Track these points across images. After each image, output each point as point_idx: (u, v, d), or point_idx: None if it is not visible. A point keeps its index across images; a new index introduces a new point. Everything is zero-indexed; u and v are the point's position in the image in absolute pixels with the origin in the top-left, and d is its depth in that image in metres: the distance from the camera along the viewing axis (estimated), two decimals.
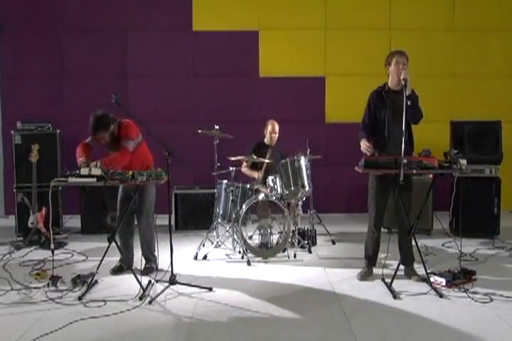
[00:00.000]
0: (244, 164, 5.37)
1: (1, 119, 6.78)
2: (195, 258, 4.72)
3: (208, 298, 3.63)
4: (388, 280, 3.79)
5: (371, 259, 4.09)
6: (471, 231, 5.23)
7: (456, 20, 6.86)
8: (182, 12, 6.74)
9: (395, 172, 3.56)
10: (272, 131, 5.35)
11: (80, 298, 3.53)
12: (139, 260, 4.27)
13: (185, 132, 6.54)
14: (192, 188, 6.09)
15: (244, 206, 4.78)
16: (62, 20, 6.71)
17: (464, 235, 4.63)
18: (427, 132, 5.93)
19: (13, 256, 4.79)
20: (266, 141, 5.44)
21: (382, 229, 4.15)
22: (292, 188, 4.75)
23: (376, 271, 4.08)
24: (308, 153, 5.29)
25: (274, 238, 4.81)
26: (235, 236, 4.87)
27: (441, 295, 3.56)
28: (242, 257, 4.66)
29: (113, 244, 3.82)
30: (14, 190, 5.79)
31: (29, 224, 5.28)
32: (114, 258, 4.20)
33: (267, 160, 5.06)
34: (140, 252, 4.29)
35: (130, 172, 3.63)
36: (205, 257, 4.71)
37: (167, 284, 3.77)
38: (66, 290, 3.69)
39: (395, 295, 3.58)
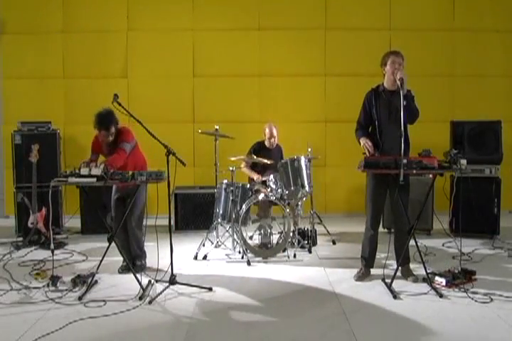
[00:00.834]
0: (244, 164, 5.34)
1: (1, 119, 6.78)
2: (195, 258, 4.72)
3: (207, 298, 3.63)
4: (388, 280, 3.79)
5: (368, 260, 4.09)
6: (471, 231, 5.23)
7: (456, 20, 6.86)
8: (182, 13, 6.76)
9: (395, 172, 3.56)
10: (270, 136, 5.33)
11: (80, 298, 3.53)
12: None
13: (185, 132, 6.57)
14: (192, 188, 6.10)
15: (244, 206, 4.78)
16: (62, 21, 6.71)
17: (463, 235, 4.64)
18: (427, 132, 5.96)
19: (13, 256, 4.79)
20: (266, 143, 5.42)
21: (382, 229, 4.15)
22: (292, 188, 4.76)
23: (376, 271, 4.08)
24: (308, 153, 5.28)
25: (274, 238, 4.82)
26: (235, 236, 4.87)
27: (441, 295, 3.56)
28: (242, 257, 4.66)
29: (113, 243, 3.82)
30: (14, 190, 5.79)
31: (29, 224, 5.28)
32: (114, 258, 4.20)
33: (267, 161, 5.04)
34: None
35: (130, 172, 3.64)
36: (205, 257, 4.71)
37: (167, 284, 3.77)
38: (66, 290, 3.69)
39: (395, 295, 3.58)
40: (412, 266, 4.08)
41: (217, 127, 5.19)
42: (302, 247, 4.99)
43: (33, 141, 5.43)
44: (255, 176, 5.22)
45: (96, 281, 3.89)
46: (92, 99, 6.23)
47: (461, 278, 3.79)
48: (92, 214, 5.65)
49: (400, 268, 3.94)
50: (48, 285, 3.74)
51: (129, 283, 3.81)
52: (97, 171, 3.55)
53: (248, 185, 5.08)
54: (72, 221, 5.95)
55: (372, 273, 4.09)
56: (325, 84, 6.86)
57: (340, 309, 3.39)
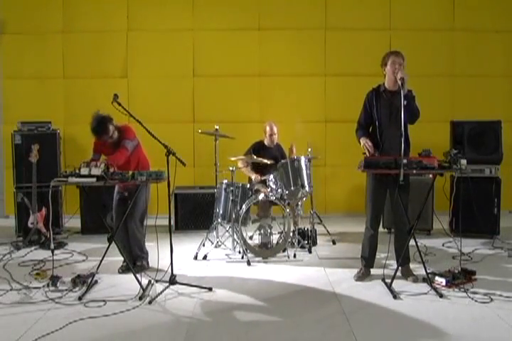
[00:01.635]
0: (241, 163, 5.27)
1: (1, 119, 6.78)
2: (195, 258, 4.72)
3: (207, 298, 3.63)
4: (388, 280, 3.79)
5: (368, 260, 4.09)
6: (471, 231, 5.23)
7: (456, 20, 6.86)
8: (182, 13, 6.76)
9: (395, 172, 3.56)
10: (270, 133, 5.32)
11: (79, 298, 3.53)
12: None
13: (185, 132, 6.57)
14: (192, 188, 6.10)
15: (244, 206, 4.78)
16: (62, 21, 6.71)
17: (463, 235, 4.63)
18: (427, 132, 5.96)
19: (13, 256, 4.79)
20: (266, 142, 5.42)
21: (382, 229, 4.15)
22: (292, 188, 4.75)
23: (376, 271, 4.08)
24: (308, 153, 5.28)
25: (274, 238, 4.81)
26: (235, 236, 4.87)
27: (441, 295, 3.56)
28: (242, 257, 4.66)
29: (113, 243, 3.82)
30: (14, 190, 5.78)
31: (29, 224, 5.28)
32: (114, 258, 4.20)
33: (267, 161, 5.03)
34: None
35: (130, 172, 3.64)
36: (205, 257, 4.71)
37: (167, 284, 3.77)
38: (66, 290, 3.69)
39: (395, 295, 3.58)
40: (412, 266, 4.08)
41: (217, 127, 5.19)
42: (302, 247, 4.99)
43: (33, 141, 5.43)
44: (253, 175, 5.21)
45: (96, 281, 3.88)
46: (92, 99, 6.24)
47: (461, 278, 3.79)
48: (92, 214, 5.65)
49: (400, 268, 3.94)
50: (47, 285, 3.74)
51: (129, 283, 3.81)
52: (96, 171, 3.55)
53: (248, 185, 5.08)
54: (72, 221, 5.95)
55: (372, 273, 4.09)
56: (325, 84, 6.86)
57: (340, 309, 3.39)
